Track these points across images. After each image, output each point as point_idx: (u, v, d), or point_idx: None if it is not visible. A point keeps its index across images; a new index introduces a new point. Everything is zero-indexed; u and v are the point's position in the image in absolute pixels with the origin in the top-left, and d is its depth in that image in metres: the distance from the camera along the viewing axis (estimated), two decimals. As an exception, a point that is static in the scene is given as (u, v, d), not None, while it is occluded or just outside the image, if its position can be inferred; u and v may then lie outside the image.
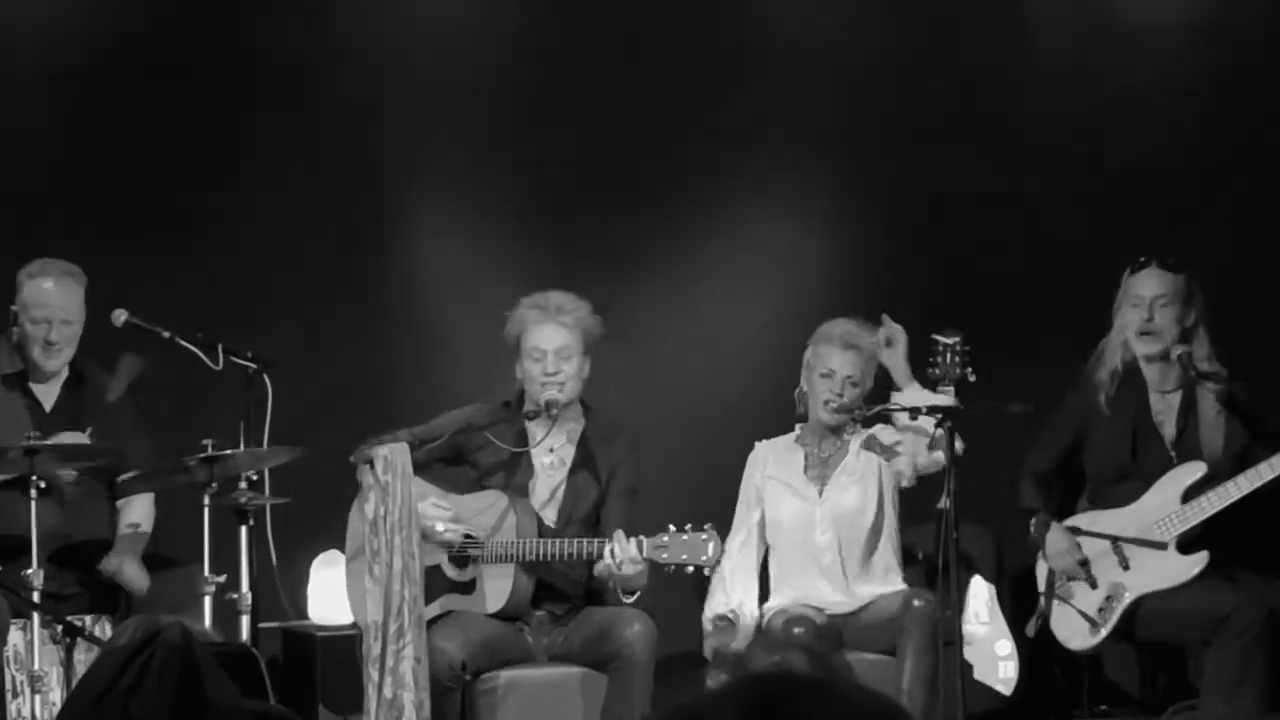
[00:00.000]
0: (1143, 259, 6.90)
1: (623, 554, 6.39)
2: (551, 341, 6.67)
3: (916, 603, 6.60)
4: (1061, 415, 7.01)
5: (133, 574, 6.61)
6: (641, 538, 6.40)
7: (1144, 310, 6.84)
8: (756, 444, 7.07)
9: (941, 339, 6.50)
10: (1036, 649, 6.96)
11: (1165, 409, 6.94)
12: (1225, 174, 8.31)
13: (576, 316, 6.70)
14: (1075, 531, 6.87)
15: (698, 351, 8.21)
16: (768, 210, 8.29)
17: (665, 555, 6.39)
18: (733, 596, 6.87)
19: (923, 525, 6.88)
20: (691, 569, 6.41)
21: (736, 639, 6.80)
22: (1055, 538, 6.84)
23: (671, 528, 6.39)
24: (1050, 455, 7.01)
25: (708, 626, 6.87)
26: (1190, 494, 6.75)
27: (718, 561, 6.45)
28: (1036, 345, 7.47)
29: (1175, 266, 6.87)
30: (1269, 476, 6.63)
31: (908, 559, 7.02)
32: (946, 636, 6.48)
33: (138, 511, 6.81)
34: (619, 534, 6.41)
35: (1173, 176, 8.30)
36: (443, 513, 6.58)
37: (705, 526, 6.40)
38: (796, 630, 6.60)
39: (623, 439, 6.81)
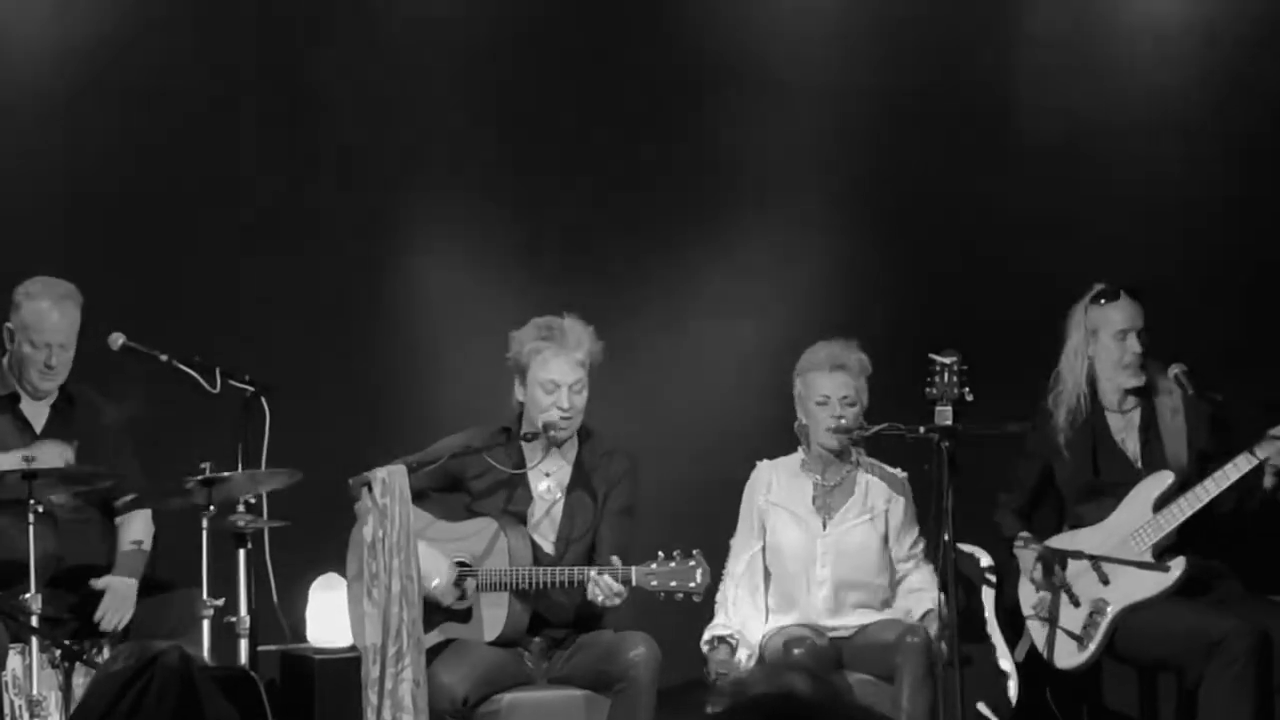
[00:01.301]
0: (1105, 289, 6.91)
1: (604, 592, 6.38)
2: (566, 376, 6.63)
3: (910, 639, 6.58)
4: (1026, 456, 7.02)
5: (116, 601, 6.57)
6: (632, 566, 6.40)
7: (1134, 344, 6.86)
8: (758, 464, 7.05)
9: (939, 359, 6.50)
10: (1035, 671, 6.94)
11: (1125, 426, 6.97)
12: (1214, 198, 8.33)
13: (589, 350, 6.66)
14: (1054, 553, 6.88)
15: (694, 373, 8.21)
16: (763, 233, 8.30)
17: (654, 583, 6.38)
18: (734, 620, 6.86)
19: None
20: (680, 596, 6.39)
21: (736, 663, 6.77)
22: (1026, 555, 6.87)
23: (660, 554, 6.39)
24: (1022, 493, 7.04)
25: (705, 648, 6.86)
26: (1161, 503, 6.78)
27: (706, 588, 6.43)
28: (1034, 365, 7.45)
29: (1137, 293, 6.90)
30: (1235, 477, 6.66)
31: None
32: (946, 657, 6.48)
33: (138, 528, 6.80)
34: (596, 575, 6.39)
35: (1167, 200, 8.32)
36: (440, 570, 6.56)
37: (693, 553, 6.39)
38: (796, 651, 6.60)
39: (618, 459, 6.79)
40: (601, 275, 8.06)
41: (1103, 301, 6.91)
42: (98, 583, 6.60)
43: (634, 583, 6.39)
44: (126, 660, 3.29)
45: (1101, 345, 6.92)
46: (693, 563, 6.38)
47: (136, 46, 7.82)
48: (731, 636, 6.81)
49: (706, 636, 6.85)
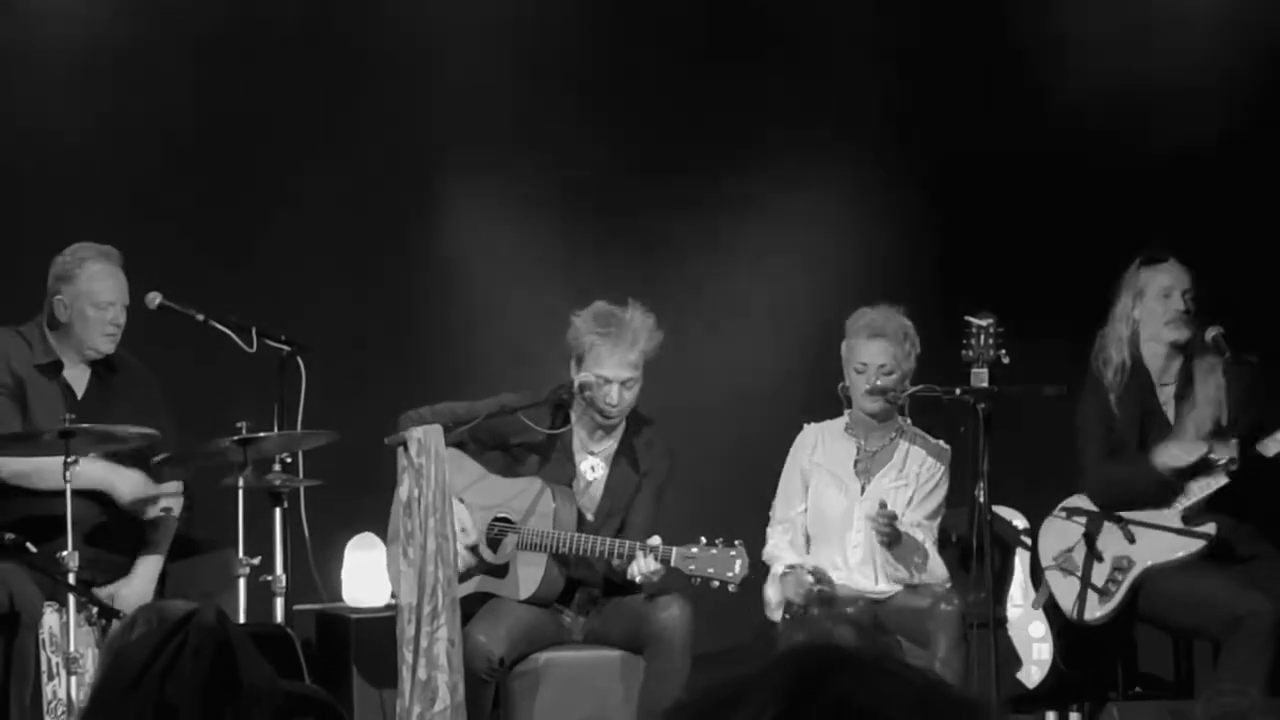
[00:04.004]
0: (1154, 252, 6.89)
1: (644, 573, 6.38)
2: (619, 374, 6.60)
3: (943, 606, 6.57)
4: (1092, 421, 6.95)
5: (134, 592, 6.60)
6: (672, 547, 6.39)
7: (1177, 301, 6.84)
8: (805, 426, 7.02)
9: (975, 321, 6.49)
10: (1071, 634, 6.94)
11: (1166, 399, 6.95)
12: (1259, 161, 8.28)
13: (644, 349, 6.60)
14: (1078, 511, 6.87)
15: (732, 337, 8.20)
16: (801, 194, 8.28)
17: (692, 566, 6.36)
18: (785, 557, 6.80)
19: (956, 508, 6.88)
20: (716, 584, 6.36)
21: (805, 593, 6.64)
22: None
23: (703, 539, 6.36)
24: (1108, 440, 6.95)
25: (776, 574, 6.71)
26: (1193, 472, 6.77)
27: (744, 580, 6.39)
28: (1071, 327, 7.45)
29: (1186, 259, 6.89)
30: (1275, 450, 6.64)
31: (942, 541, 7.00)
32: (980, 620, 6.47)
33: (168, 498, 6.81)
34: (639, 558, 6.39)
35: (1207, 161, 8.27)
36: (464, 537, 6.58)
37: (736, 543, 6.36)
38: (849, 611, 6.57)
39: (659, 444, 6.79)
40: (641, 239, 8.06)
41: (1147, 262, 6.90)
42: (102, 593, 6.60)
43: (672, 563, 6.37)
44: (146, 623, 3.28)
45: (1147, 306, 6.90)
46: (734, 553, 6.34)
47: (174, 2, 7.83)
48: (799, 566, 6.70)
49: (777, 569, 6.73)
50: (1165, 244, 6.99)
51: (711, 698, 1.96)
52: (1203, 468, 6.76)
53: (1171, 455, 6.76)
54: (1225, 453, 6.70)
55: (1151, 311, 6.90)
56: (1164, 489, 6.79)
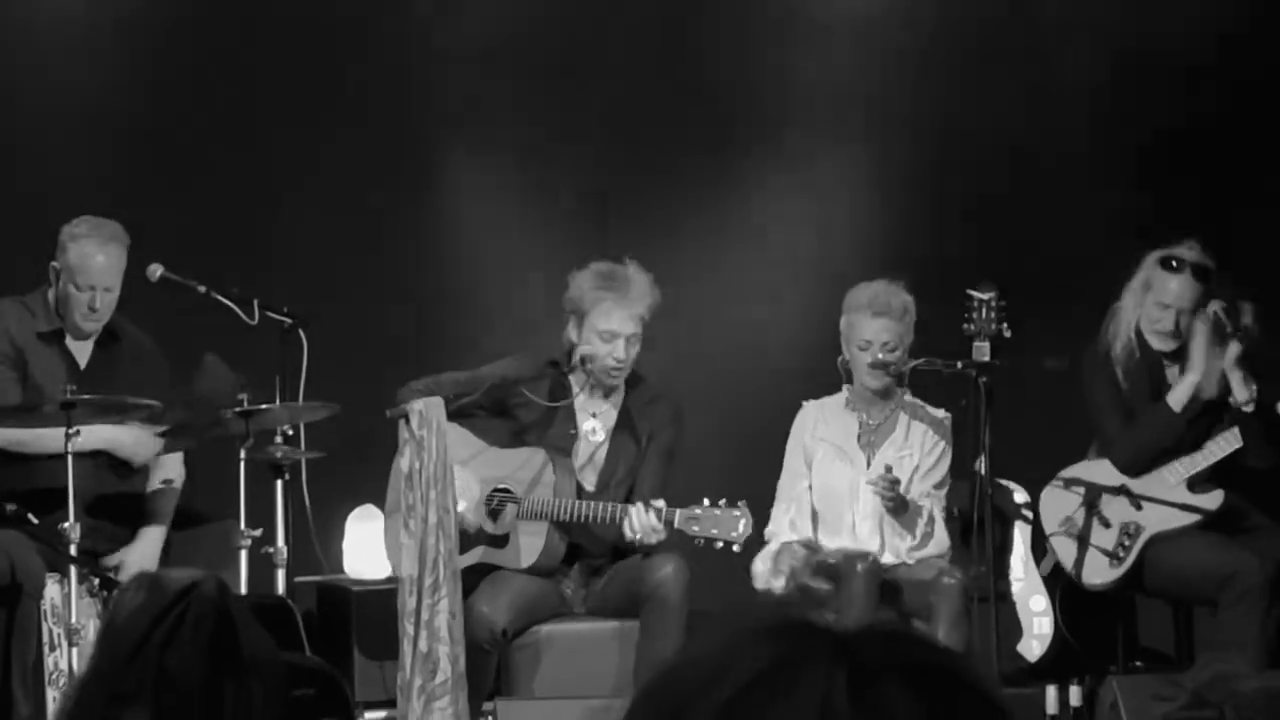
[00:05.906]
0: (1176, 257, 6.81)
1: (641, 527, 6.37)
2: (626, 328, 6.57)
3: (945, 580, 6.57)
4: (1103, 395, 6.94)
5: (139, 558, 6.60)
6: (675, 509, 6.37)
7: (1171, 317, 6.78)
8: (805, 404, 7.01)
9: (976, 294, 6.48)
10: (1074, 604, 6.94)
11: (1174, 377, 6.95)
12: (1267, 145, 8.27)
13: (650, 304, 6.58)
14: (1076, 482, 6.87)
15: (732, 315, 8.19)
16: (800, 171, 8.27)
17: (696, 528, 6.35)
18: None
19: (957, 481, 6.88)
20: (720, 544, 6.35)
21: (800, 565, 6.64)
22: None
23: (706, 501, 6.34)
24: (1122, 418, 6.95)
25: (771, 551, 6.69)
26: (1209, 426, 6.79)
27: (747, 539, 6.38)
28: (1072, 301, 7.44)
29: (1205, 273, 6.81)
30: None
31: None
32: (981, 593, 6.48)
33: (169, 466, 6.82)
34: (637, 508, 6.37)
35: (1214, 141, 8.26)
36: (469, 493, 6.57)
37: (739, 504, 6.34)
38: (859, 566, 6.56)
39: (664, 404, 6.77)
40: (640, 216, 8.05)
41: (1166, 265, 6.82)
42: (111, 560, 6.59)
43: (675, 525, 6.36)
44: (135, 593, 3.27)
45: (1147, 305, 6.86)
46: (737, 513, 6.32)
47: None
48: (804, 544, 6.68)
49: (774, 547, 6.72)
50: (1184, 232, 6.92)
51: (696, 663, 1.95)
52: (1218, 420, 6.76)
53: (1182, 388, 6.76)
54: (1244, 393, 6.71)
55: (1149, 311, 6.85)
56: (1183, 440, 6.80)
